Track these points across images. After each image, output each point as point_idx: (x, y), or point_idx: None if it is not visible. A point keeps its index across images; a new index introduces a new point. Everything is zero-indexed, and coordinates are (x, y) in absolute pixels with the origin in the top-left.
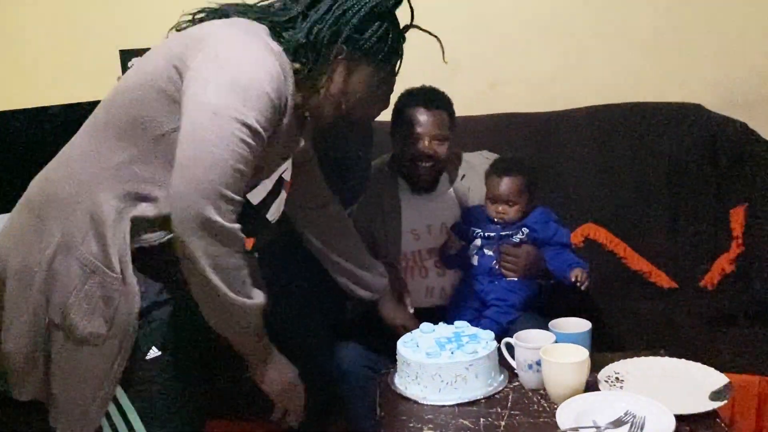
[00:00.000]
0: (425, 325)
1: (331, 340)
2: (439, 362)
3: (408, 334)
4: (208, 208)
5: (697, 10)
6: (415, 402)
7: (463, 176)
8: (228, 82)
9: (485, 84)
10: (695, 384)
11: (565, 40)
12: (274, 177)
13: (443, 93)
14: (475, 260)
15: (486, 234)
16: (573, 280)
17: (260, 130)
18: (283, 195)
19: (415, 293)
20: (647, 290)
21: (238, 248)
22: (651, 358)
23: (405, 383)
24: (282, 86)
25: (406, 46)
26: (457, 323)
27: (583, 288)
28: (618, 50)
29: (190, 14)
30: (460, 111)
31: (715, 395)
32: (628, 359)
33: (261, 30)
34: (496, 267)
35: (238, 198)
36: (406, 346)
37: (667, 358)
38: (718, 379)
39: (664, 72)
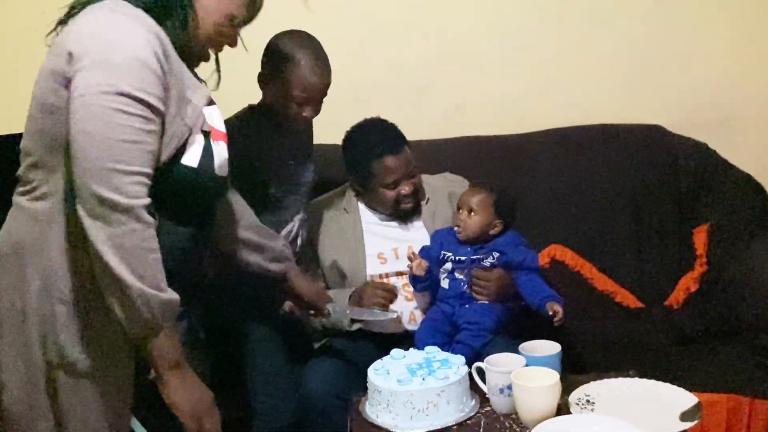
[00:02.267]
0: (396, 352)
1: (293, 369)
2: (411, 389)
3: (378, 361)
4: (99, 187)
5: (656, 33)
6: (387, 431)
7: (428, 199)
8: (94, 63)
9: (451, 107)
10: (665, 404)
11: (529, 64)
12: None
13: (393, 125)
14: (445, 284)
15: (457, 257)
16: (551, 314)
17: (140, 95)
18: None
19: (385, 319)
20: (614, 310)
21: (141, 227)
22: (621, 379)
23: (376, 411)
24: (156, 47)
25: (373, 70)
26: (427, 349)
27: (556, 323)
28: (581, 73)
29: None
30: (426, 134)
31: (685, 416)
32: (598, 381)
33: (118, 2)
34: (467, 290)
35: (137, 169)
36: (377, 373)
37: (636, 379)
38: (687, 399)
39: (625, 94)
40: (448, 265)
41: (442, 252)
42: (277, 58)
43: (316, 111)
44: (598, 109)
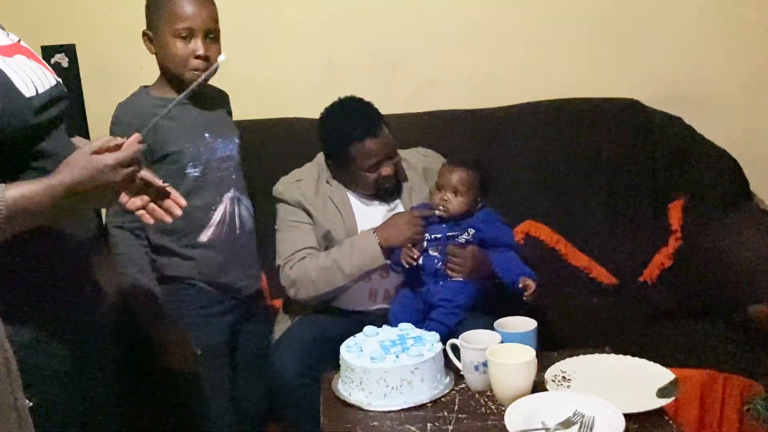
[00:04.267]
0: (369, 329)
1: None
2: (384, 366)
3: (351, 338)
4: None
5: (632, 7)
6: (360, 408)
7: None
8: None
9: (424, 81)
10: (642, 381)
11: (502, 38)
12: None
13: (370, 104)
14: (419, 261)
15: (432, 235)
16: (521, 286)
17: None
18: None
19: (358, 297)
20: (588, 286)
21: None
22: (597, 355)
23: (349, 389)
24: None
25: (345, 44)
26: (401, 325)
27: (525, 298)
28: (555, 47)
29: None
30: (399, 108)
31: (662, 392)
32: (574, 357)
33: None
34: (441, 268)
35: None
36: (349, 350)
37: (612, 355)
38: (664, 375)
39: (601, 68)
40: (423, 243)
41: None
42: (154, 3)
43: (209, 50)
44: (574, 84)
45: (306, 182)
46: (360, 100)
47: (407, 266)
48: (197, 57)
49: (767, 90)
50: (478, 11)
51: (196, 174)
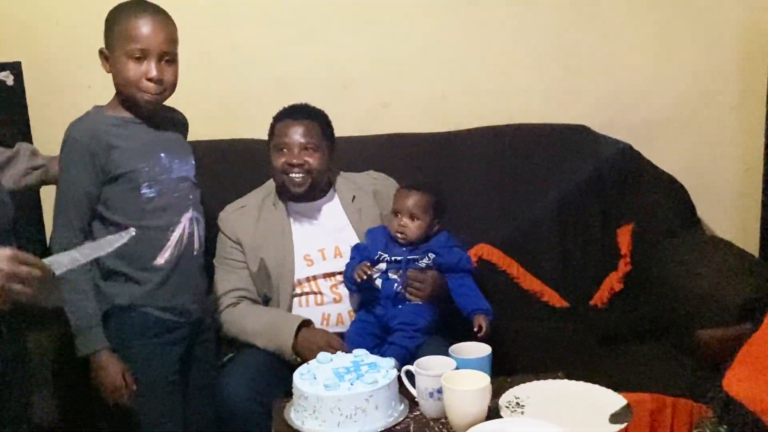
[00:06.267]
0: (322, 355)
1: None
2: (338, 394)
3: (305, 365)
4: None
5: (582, 33)
6: None
7: (354, 198)
8: None
9: (378, 103)
10: (594, 406)
11: (455, 62)
12: None
13: (316, 108)
14: (378, 283)
15: (393, 258)
16: (476, 330)
17: None
18: None
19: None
20: (540, 310)
21: None
22: (550, 381)
23: (302, 418)
24: None
25: (298, 65)
26: (355, 351)
27: (480, 337)
28: (507, 73)
29: None
30: (351, 131)
31: (615, 418)
32: (528, 383)
33: None
34: (401, 291)
35: None
36: (302, 378)
37: (565, 381)
38: (616, 400)
39: (551, 94)
40: (382, 265)
41: (378, 252)
42: (111, 22)
43: (162, 74)
44: (525, 109)
45: (248, 208)
46: (310, 105)
47: (359, 280)
48: (149, 79)
49: (713, 117)
50: (431, 36)
51: (152, 195)
